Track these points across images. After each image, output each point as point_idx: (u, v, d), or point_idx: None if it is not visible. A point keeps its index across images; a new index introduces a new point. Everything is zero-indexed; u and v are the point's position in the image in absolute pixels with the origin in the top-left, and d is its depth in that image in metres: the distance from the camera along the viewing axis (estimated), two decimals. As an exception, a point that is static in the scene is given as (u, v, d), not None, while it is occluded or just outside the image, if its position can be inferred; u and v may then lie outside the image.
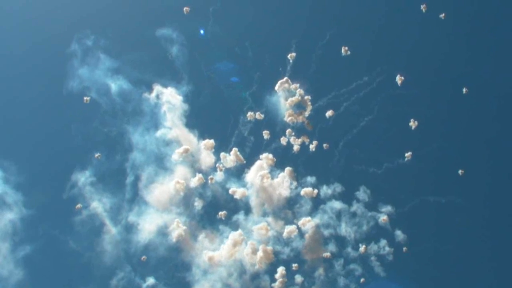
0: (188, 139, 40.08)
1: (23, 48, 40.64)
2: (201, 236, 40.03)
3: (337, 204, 41.07)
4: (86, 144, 39.37)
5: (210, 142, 40.18)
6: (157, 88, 39.83)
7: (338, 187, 41.03)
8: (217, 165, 40.32)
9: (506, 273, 40.71)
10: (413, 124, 40.26)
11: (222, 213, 40.31)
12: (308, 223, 40.23)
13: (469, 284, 41.36)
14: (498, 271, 40.99)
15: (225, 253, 39.49)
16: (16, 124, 40.72)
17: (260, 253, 39.46)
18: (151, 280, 39.63)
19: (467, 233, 41.28)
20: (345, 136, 40.66)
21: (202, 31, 40.76)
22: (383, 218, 40.73)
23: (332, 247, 40.88)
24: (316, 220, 40.67)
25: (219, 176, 40.27)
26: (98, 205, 39.49)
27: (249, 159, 40.87)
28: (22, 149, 40.17)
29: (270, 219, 40.54)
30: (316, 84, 40.60)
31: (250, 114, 40.58)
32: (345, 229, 40.94)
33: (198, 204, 39.99)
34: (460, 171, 40.64)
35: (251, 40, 40.56)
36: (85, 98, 39.12)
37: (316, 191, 40.69)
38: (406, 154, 40.48)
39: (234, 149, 40.31)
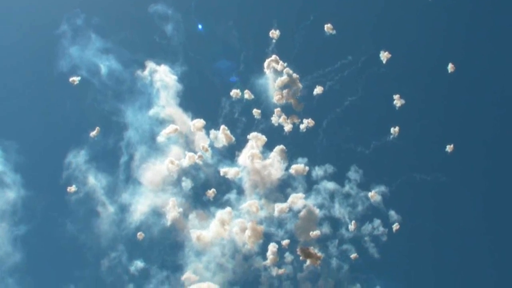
0: (182, 119, 40.53)
1: (14, 30, 41.67)
2: (192, 216, 40.01)
3: (330, 185, 40.98)
4: (80, 124, 40.32)
5: (200, 122, 40.46)
6: (150, 65, 40.40)
7: (329, 168, 41.23)
8: (202, 145, 40.42)
9: (494, 250, 40.70)
10: (398, 101, 40.94)
11: (210, 192, 40.36)
12: (299, 201, 40.34)
13: (461, 265, 41.27)
14: (487, 249, 40.98)
15: (213, 232, 39.44)
16: (9, 105, 41.64)
17: (248, 231, 39.29)
18: (142, 263, 39.72)
19: (457, 211, 41.34)
20: (332, 115, 40.94)
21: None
22: (371, 194, 40.61)
23: (325, 228, 40.84)
24: (309, 201, 40.62)
25: (207, 154, 40.35)
26: (92, 185, 39.89)
27: (241, 140, 41.15)
28: (15, 130, 40.93)
29: (262, 201, 40.61)
30: (300, 63, 41.09)
31: (234, 91, 41.02)
32: (338, 210, 40.94)
33: (186, 184, 40.08)
34: (448, 147, 41.03)
35: (234, 20, 41.50)
36: (72, 79, 39.70)
37: (307, 168, 40.78)
38: (392, 130, 40.80)
39: (223, 127, 40.50)
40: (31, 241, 39.45)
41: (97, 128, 39.80)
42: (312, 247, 39.50)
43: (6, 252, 38.75)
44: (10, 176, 39.27)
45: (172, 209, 39.57)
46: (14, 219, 39.08)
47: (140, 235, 39.73)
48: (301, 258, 39.48)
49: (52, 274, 40.32)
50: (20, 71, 41.38)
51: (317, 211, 40.46)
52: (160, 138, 40.11)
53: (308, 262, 39.49)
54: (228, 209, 39.84)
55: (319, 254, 39.55)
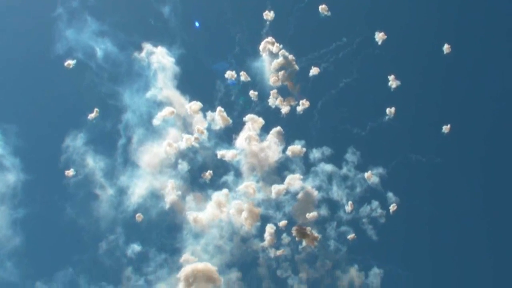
0: (179, 102, 40.68)
1: (10, 13, 41.86)
2: (190, 199, 40.13)
3: (327, 167, 41.00)
4: (77, 107, 40.71)
5: (197, 104, 40.54)
6: (147, 47, 40.54)
7: (327, 150, 41.22)
8: (197, 127, 40.45)
9: (490, 230, 40.95)
10: (393, 82, 40.99)
11: (207, 173, 40.49)
12: (296, 182, 40.35)
13: (458, 246, 41.44)
14: (483, 229, 41.34)
15: (210, 214, 39.50)
16: (6, 89, 41.96)
17: (245, 213, 39.31)
18: (140, 245, 39.86)
19: (454, 192, 41.35)
20: (327, 97, 41.05)
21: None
22: (367, 175, 40.54)
23: (323, 210, 40.78)
24: (307, 183, 40.65)
25: (203, 136, 40.33)
26: (91, 168, 40.06)
27: (238, 122, 41.31)
28: (14, 114, 41.19)
29: (260, 183, 40.62)
30: (295, 45, 41.24)
31: (229, 73, 41.18)
32: (336, 192, 40.85)
33: (183, 166, 40.16)
34: (445, 128, 40.95)
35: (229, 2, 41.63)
36: (67, 62, 39.77)
37: (304, 149, 40.78)
38: (388, 111, 40.79)
39: (219, 109, 40.56)
40: (30, 225, 39.71)
41: (96, 110, 39.96)
42: (309, 228, 39.55)
43: (5, 235, 39.02)
44: (9, 160, 39.76)
45: (171, 191, 39.82)
46: (14, 202, 39.39)
47: (138, 216, 39.84)
48: (297, 238, 39.52)
49: (50, 257, 40.67)
50: (17, 55, 41.81)
51: (315, 192, 40.59)
52: (156, 121, 40.25)
53: (304, 242, 39.57)
54: (225, 191, 39.98)
55: (315, 234, 39.60)
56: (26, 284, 38.48)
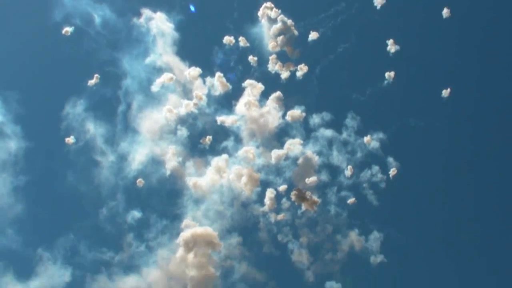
0: (179, 68, 40.65)
1: None
2: (190, 164, 40.27)
3: (327, 132, 40.99)
4: (77, 74, 40.58)
5: (196, 70, 40.43)
6: (146, 12, 40.43)
7: (326, 116, 41.17)
8: (195, 92, 40.46)
9: (491, 194, 41.10)
10: (392, 47, 40.76)
11: (206, 139, 40.48)
12: (296, 147, 40.36)
13: (457, 209, 41.49)
14: (484, 193, 41.46)
15: (209, 179, 39.58)
16: (6, 56, 41.96)
17: (245, 178, 39.30)
18: (141, 212, 40.00)
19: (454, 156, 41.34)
20: (326, 62, 41.01)
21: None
22: (367, 139, 40.50)
23: (324, 175, 40.83)
24: (307, 149, 40.65)
25: (202, 102, 40.30)
26: (91, 135, 40.20)
27: (237, 88, 41.25)
28: (14, 81, 41.18)
29: (260, 149, 40.68)
30: (293, 10, 41.06)
31: (227, 38, 41.00)
32: (337, 157, 40.86)
33: (182, 133, 40.20)
34: (444, 92, 40.88)
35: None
36: (65, 30, 39.62)
37: (303, 114, 40.82)
38: (387, 75, 40.60)
39: (218, 74, 40.46)
40: (31, 192, 39.89)
41: (96, 76, 39.93)
42: (308, 192, 39.57)
43: (7, 202, 39.13)
44: (10, 127, 39.91)
45: (171, 157, 39.96)
46: (15, 170, 39.57)
47: (139, 182, 39.96)
48: (296, 202, 39.58)
49: (51, 223, 40.80)
50: (15, 22, 41.81)
51: (315, 158, 40.65)
52: (155, 87, 40.33)
53: (303, 206, 39.63)
54: (224, 156, 40.05)
55: (315, 199, 39.63)
56: (28, 250, 38.65)
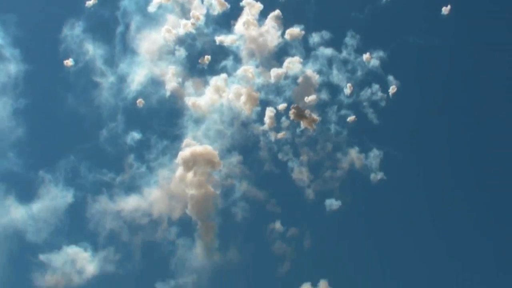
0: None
1: None
2: (189, 84, 40.13)
3: (327, 51, 40.63)
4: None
5: (194, -13, 40.26)
6: None
7: (326, 34, 40.76)
8: (192, 12, 40.10)
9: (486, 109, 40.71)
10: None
11: (204, 59, 40.20)
12: (295, 65, 40.17)
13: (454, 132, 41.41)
14: (483, 114, 41.14)
15: (209, 99, 39.52)
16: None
17: (244, 97, 39.28)
18: (141, 133, 39.93)
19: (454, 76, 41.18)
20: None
21: None
22: (366, 56, 40.26)
23: (324, 94, 40.74)
24: (307, 68, 40.35)
25: (199, 22, 40.01)
26: (90, 56, 40.03)
27: (236, 7, 40.78)
28: (12, 3, 41.21)
29: (259, 69, 40.38)
30: None
31: None
32: (337, 76, 40.63)
33: (181, 53, 40.04)
34: (444, 9, 40.49)
35: None
36: None
37: (302, 32, 40.50)
38: None
39: (216, -7, 40.28)
40: (31, 115, 39.92)
41: None
42: (307, 110, 39.53)
43: (7, 126, 39.21)
44: (9, 50, 39.72)
45: (171, 78, 39.87)
46: (15, 93, 39.52)
47: (139, 102, 39.96)
48: (294, 119, 39.49)
49: (52, 146, 40.88)
50: None
51: (315, 76, 40.49)
52: (152, 8, 40.09)
53: (302, 124, 39.65)
54: (223, 75, 39.88)
55: (314, 117, 39.62)
56: (29, 173, 38.76)
